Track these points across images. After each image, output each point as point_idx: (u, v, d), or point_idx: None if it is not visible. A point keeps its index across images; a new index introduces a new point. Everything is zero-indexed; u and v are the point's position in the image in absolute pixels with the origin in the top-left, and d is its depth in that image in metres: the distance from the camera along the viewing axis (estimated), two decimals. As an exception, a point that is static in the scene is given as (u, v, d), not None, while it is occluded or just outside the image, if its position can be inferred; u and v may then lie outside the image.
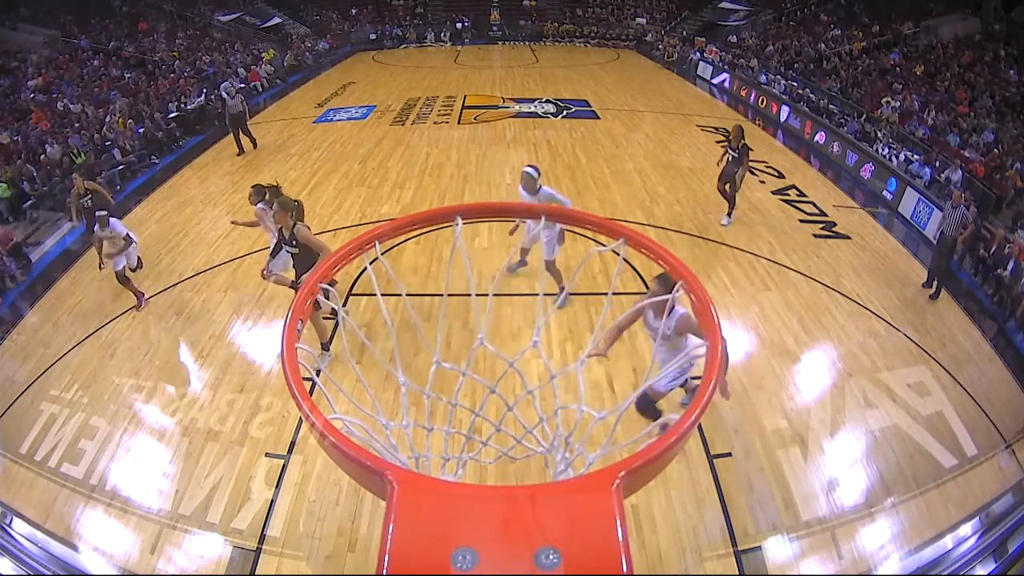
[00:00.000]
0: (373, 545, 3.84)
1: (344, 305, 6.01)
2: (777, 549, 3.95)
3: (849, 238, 8.18)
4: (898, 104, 12.99)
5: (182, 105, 14.10)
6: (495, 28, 25.63)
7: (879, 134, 12.09)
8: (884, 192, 10.19)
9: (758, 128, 13.83)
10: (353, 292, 6.25)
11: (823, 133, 12.65)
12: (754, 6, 21.86)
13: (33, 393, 5.37)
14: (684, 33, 23.09)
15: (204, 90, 15.35)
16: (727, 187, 8.10)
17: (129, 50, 16.91)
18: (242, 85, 16.49)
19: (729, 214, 8.28)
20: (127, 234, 6.51)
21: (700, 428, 4.60)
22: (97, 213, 6.41)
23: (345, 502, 4.08)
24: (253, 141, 11.92)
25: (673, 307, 3.51)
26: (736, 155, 7.79)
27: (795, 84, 15.71)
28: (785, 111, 14.42)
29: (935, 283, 6.97)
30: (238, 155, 11.55)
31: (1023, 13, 14.59)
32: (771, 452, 4.55)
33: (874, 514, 4.14)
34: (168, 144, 12.36)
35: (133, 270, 6.78)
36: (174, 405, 5.10)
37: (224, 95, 12.32)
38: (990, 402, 5.24)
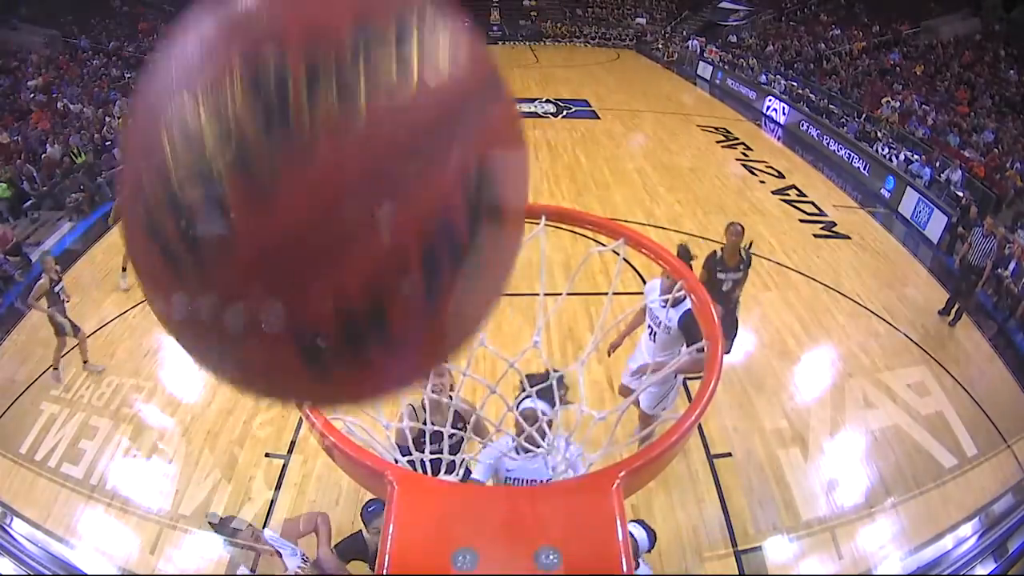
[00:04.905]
0: (373, 545, 3.84)
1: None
2: (777, 549, 3.95)
3: (849, 238, 8.19)
4: (898, 104, 12.99)
5: (182, 105, 14.11)
6: (495, 28, 25.60)
7: (879, 134, 12.10)
8: (882, 191, 10.22)
9: (758, 128, 13.83)
10: (353, 292, 6.25)
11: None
12: (754, 6, 21.85)
13: (33, 393, 5.37)
14: (684, 33, 23.09)
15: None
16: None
17: (129, 50, 16.89)
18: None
19: None
20: None
21: (700, 428, 4.60)
22: None
23: (345, 502, 4.08)
24: None
25: (683, 299, 3.27)
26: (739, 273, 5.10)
27: (795, 84, 15.71)
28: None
29: (955, 309, 6.55)
30: None
31: (1023, 13, 14.59)
32: (771, 452, 4.55)
33: (874, 514, 4.14)
34: (168, 144, 12.37)
35: None
36: (174, 405, 5.10)
37: None
38: (990, 402, 5.24)
